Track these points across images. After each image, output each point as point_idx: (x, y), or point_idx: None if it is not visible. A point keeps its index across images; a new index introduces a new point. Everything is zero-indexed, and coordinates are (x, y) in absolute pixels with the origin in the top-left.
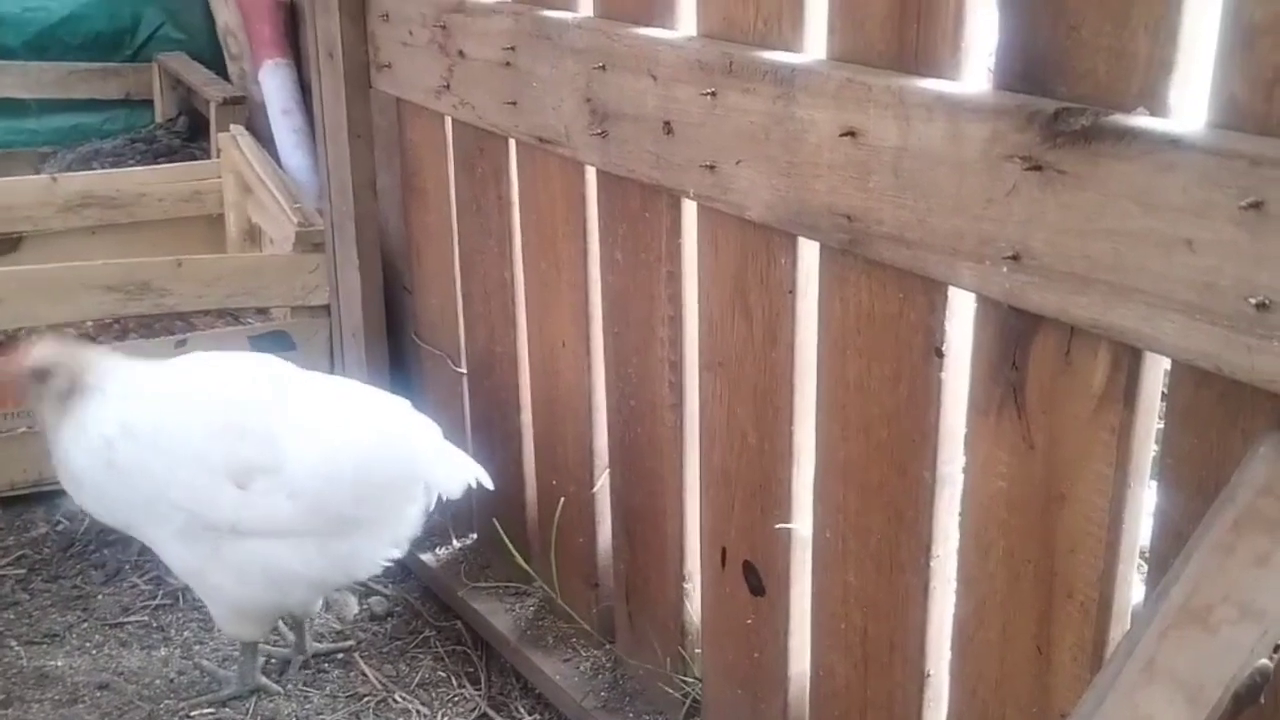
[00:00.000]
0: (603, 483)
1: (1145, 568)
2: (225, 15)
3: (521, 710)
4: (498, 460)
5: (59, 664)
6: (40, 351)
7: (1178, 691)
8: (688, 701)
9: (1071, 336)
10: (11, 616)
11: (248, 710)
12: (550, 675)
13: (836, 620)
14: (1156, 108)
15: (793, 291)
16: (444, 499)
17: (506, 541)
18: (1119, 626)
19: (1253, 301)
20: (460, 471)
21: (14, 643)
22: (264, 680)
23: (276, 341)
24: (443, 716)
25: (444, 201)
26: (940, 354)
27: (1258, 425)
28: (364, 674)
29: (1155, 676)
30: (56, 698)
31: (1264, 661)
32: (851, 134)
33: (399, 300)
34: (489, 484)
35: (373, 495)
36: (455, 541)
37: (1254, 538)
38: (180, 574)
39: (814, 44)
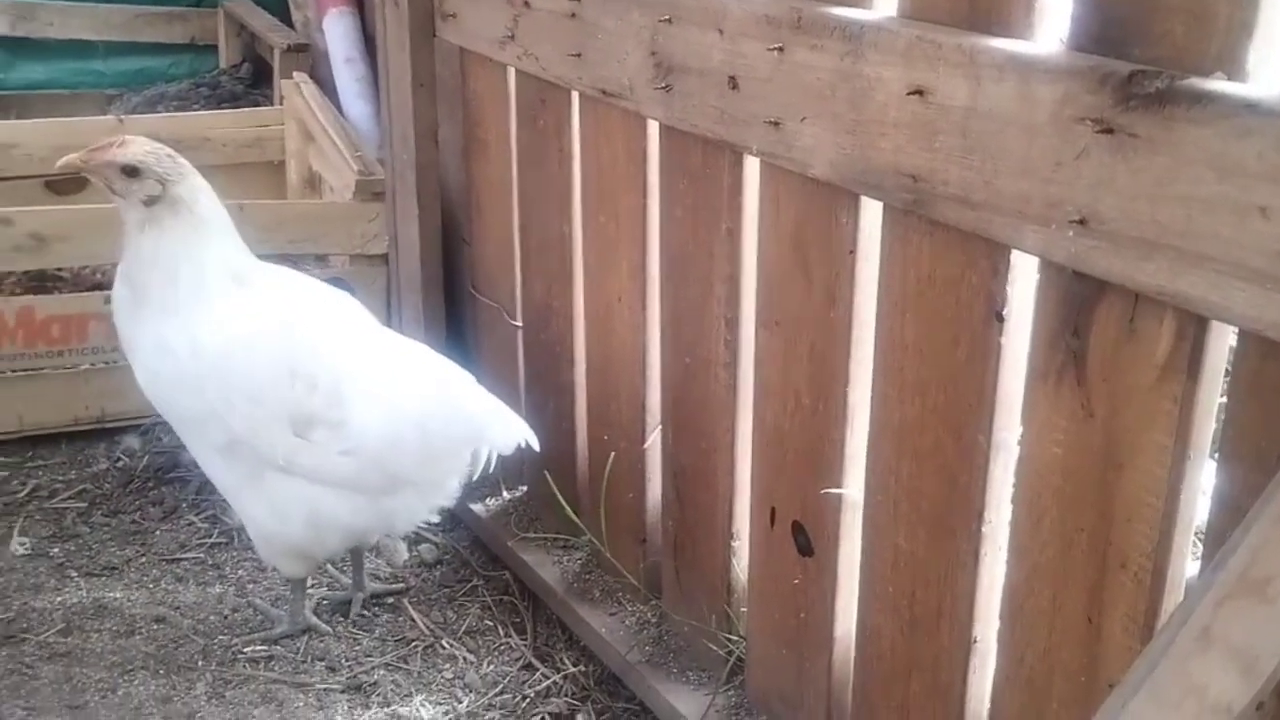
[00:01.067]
0: (654, 439)
1: (1200, 547)
2: None
3: (566, 661)
4: (550, 414)
5: (117, 596)
6: (135, 149)
7: (1232, 661)
8: (731, 659)
9: (1136, 304)
10: (72, 548)
11: (299, 650)
12: (595, 628)
13: (885, 583)
14: (1234, 72)
15: (853, 251)
16: (494, 458)
17: (557, 494)
18: (1172, 599)
19: None
20: (512, 431)
21: (74, 573)
22: (314, 620)
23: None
24: (488, 664)
25: (505, 153)
26: (1001, 318)
27: None
28: (412, 619)
29: (1210, 645)
30: (114, 628)
31: None
32: (919, 93)
33: (457, 251)
34: (536, 445)
35: (429, 459)
36: (505, 493)
37: None
38: (218, 486)
39: (884, 1)
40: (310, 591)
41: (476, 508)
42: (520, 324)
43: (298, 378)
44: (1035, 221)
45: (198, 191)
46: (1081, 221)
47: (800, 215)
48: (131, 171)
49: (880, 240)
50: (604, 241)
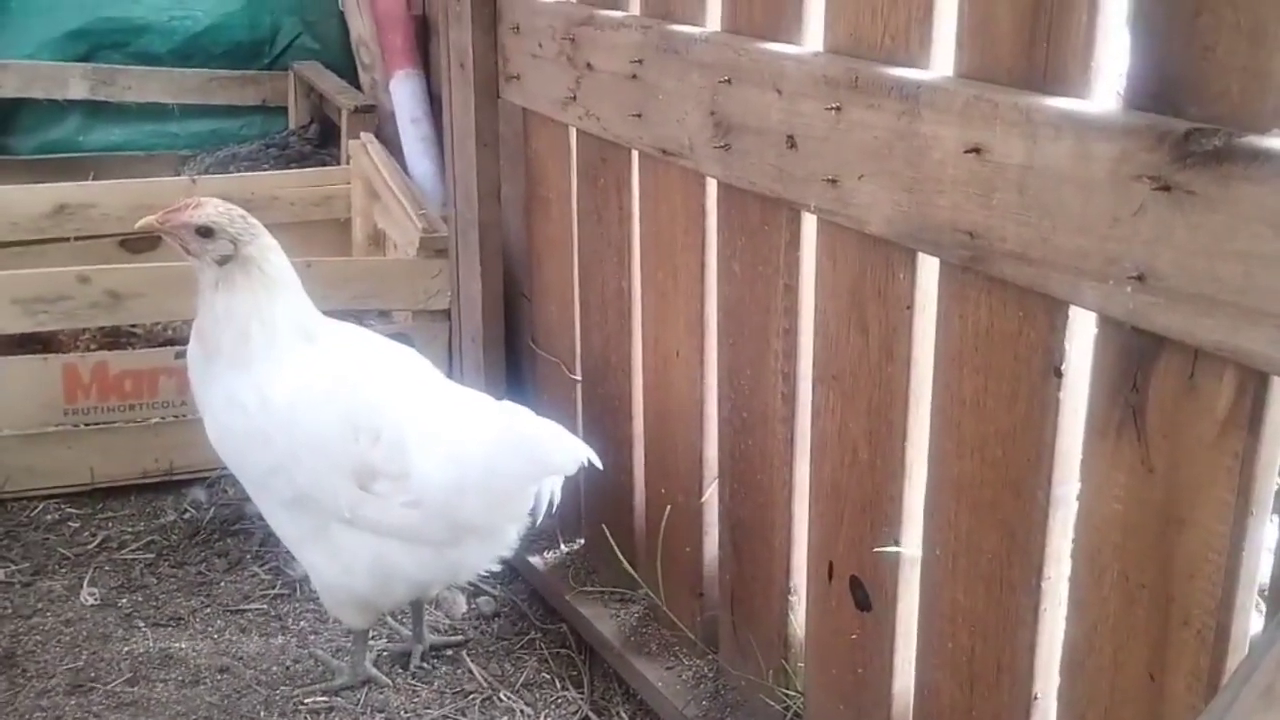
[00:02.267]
0: (711, 492)
1: (1263, 606)
2: (359, 26)
3: (623, 715)
4: (608, 467)
5: (182, 646)
6: (208, 210)
7: None
8: (789, 715)
9: (1196, 359)
10: (140, 599)
11: (359, 701)
12: (652, 682)
13: (944, 638)
14: None
15: (910, 307)
16: (556, 496)
17: (614, 547)
18: (1235, 656)
19: None
20: (573, 452)
21: (141, 624)
22: (374, 671)
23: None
24: (545, 717)
25: (566, 211)
26: (1059, 373)
27: None
28: (471, 671)
29: (1273, 704)
30: (179, 678)
31: None
32: (976, 151)
33: (518, 307)
34: (599, 463)
35: (493, 501)
36: (563, 546)
37: None
38: (284, 539)
39: (941, 61)
40: (371, 643)
41: (534, 560)
42: (579, 378)
43: (361, 431)
44: (1093, 278)
45: (268, 250)
46: (1139, 278)
47: (857, 271)
48: (206, 232)
49: (937, 296)
50: (662, 297)
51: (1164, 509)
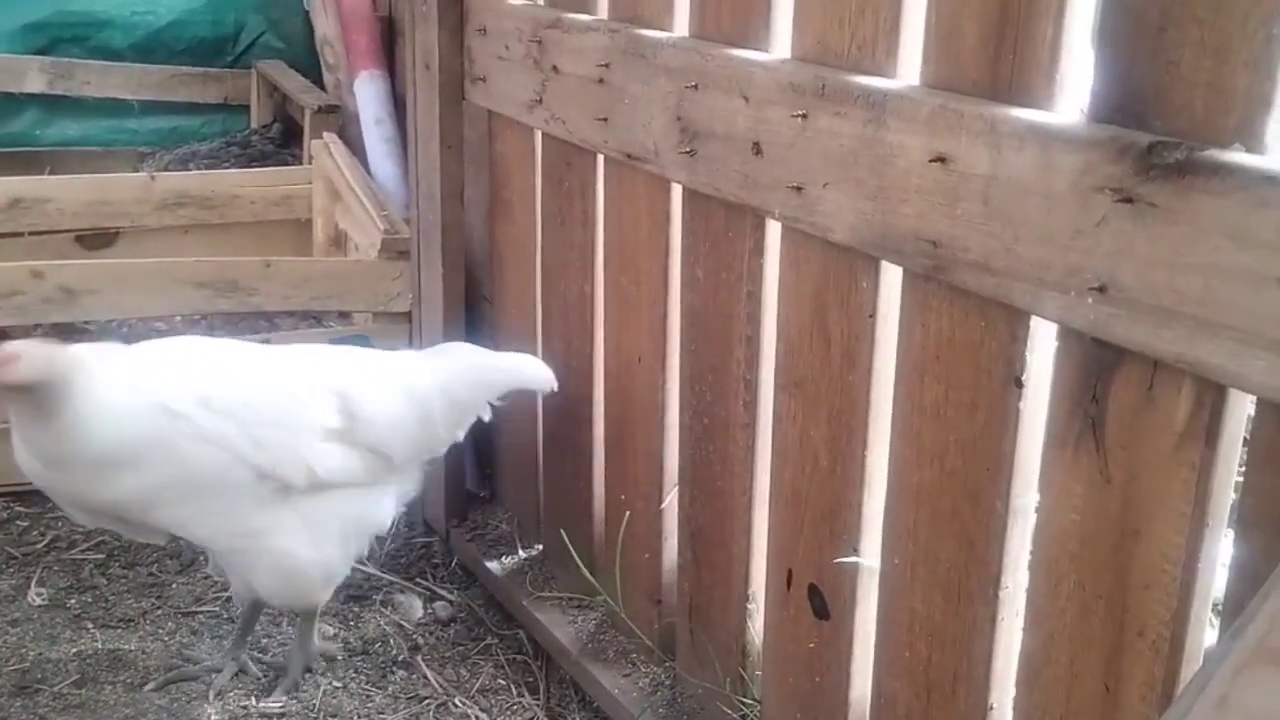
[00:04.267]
0: (671, 499)
1: (1216, 621)
2: (324, 26)
3: None
4: (568, 473)
5: (132, 648)
6: (25, 366)
7: None
8: None
9: (1155, 371)
10: (89, 600)
11: (313, 706)
12: (609, 689)
13: (901, 647)
14: (1253, 144)
15: (873, 315)
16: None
17: (572, 553)
18: (1190, 667)
19: None
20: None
21: (90, 625)
22: (323, 645)
23: (357, 345)
24: None
25: (529, 214)
26: (1020, 384)
27: None
28: (426, 677)
29: (1227, 714)
30: (128, 680)
31: None
32: (941, 160)
33: (479, 310)
34: (555, 386)
35: (454, 427)
36: (521, 551)
37: None
38: (236, 545)
39: (907, 70)
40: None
41: (492, 565)
42: None
43: (306, 389)
44: (1055, 288)
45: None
46: (1101, 289)
47: (820, 279)
48: (25, 390)
49: (900, 305)
50: (625, 302)
51: (1121, 520)
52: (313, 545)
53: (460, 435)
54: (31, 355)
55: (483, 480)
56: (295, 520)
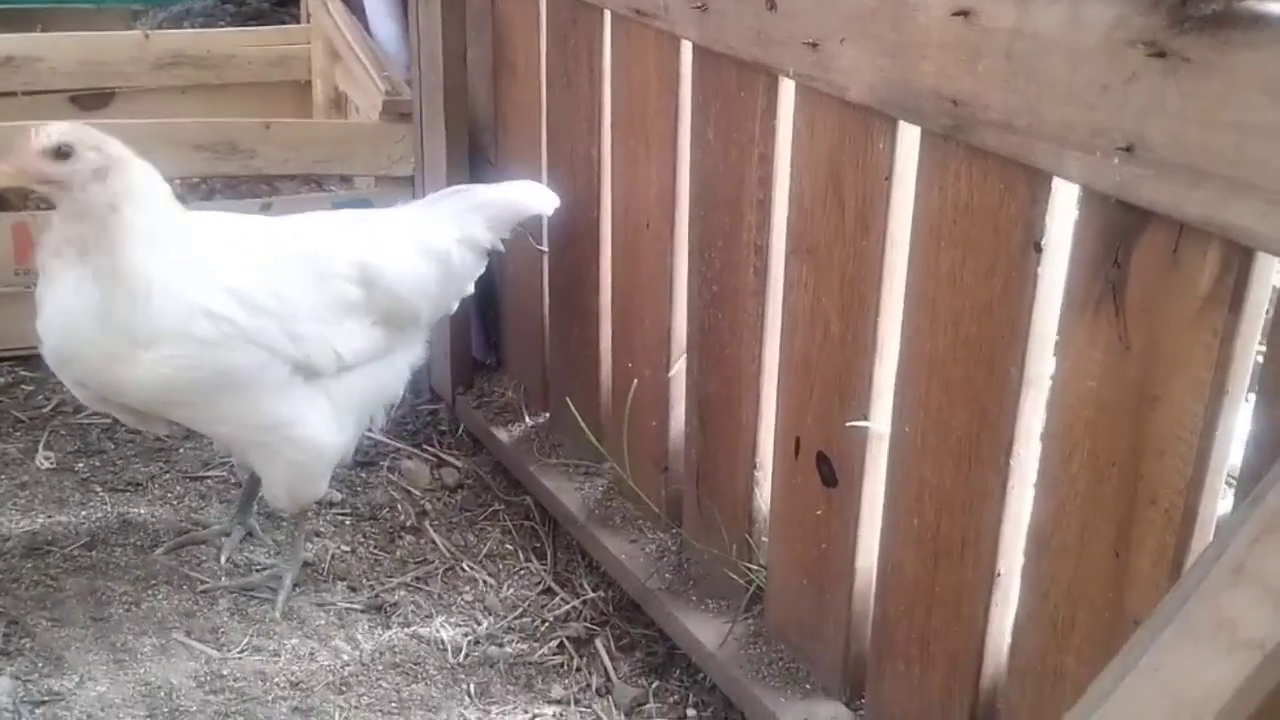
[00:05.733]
0: (679, 367)
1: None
2: None
3: (585, 587)
4: (574, 340)
5: (141, 511)
6: (56, 129)
7: (1266, 596)
8: (751, 588)
9: (1181, 234)
10: (97, 464)
11: (322, 570)
12: (615, 554)
13: (909, 515)
14: None
15: (889, 178)
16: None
17: (579, 421)
18: (1202, 537)
19: None
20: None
21: (99, 488)
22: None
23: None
24: (508, 588)
25: (534, 74)
26: (1039, 248)
27: None
28: (433, 541)
29: (1242, 580)
30: (138, 543)
31: None
32: (964, 14)
33: (483, 174)
34: (556, 202)
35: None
36: (528, 419)
37: None
38: (252, 439)
39: None
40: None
41: (499, 433)
42: (545, 249)
43: (337, 271)
44: (1079, 148)
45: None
46: (1128, 149)
47: (836, 140)
48: (64, 153)
49: (917, 167)
50: (633, 165)
51: (1139, 386)
52: (339, 428)
53: (471, 287)
54: (61, 124)
55: (488, 348)
56: (325, 405)
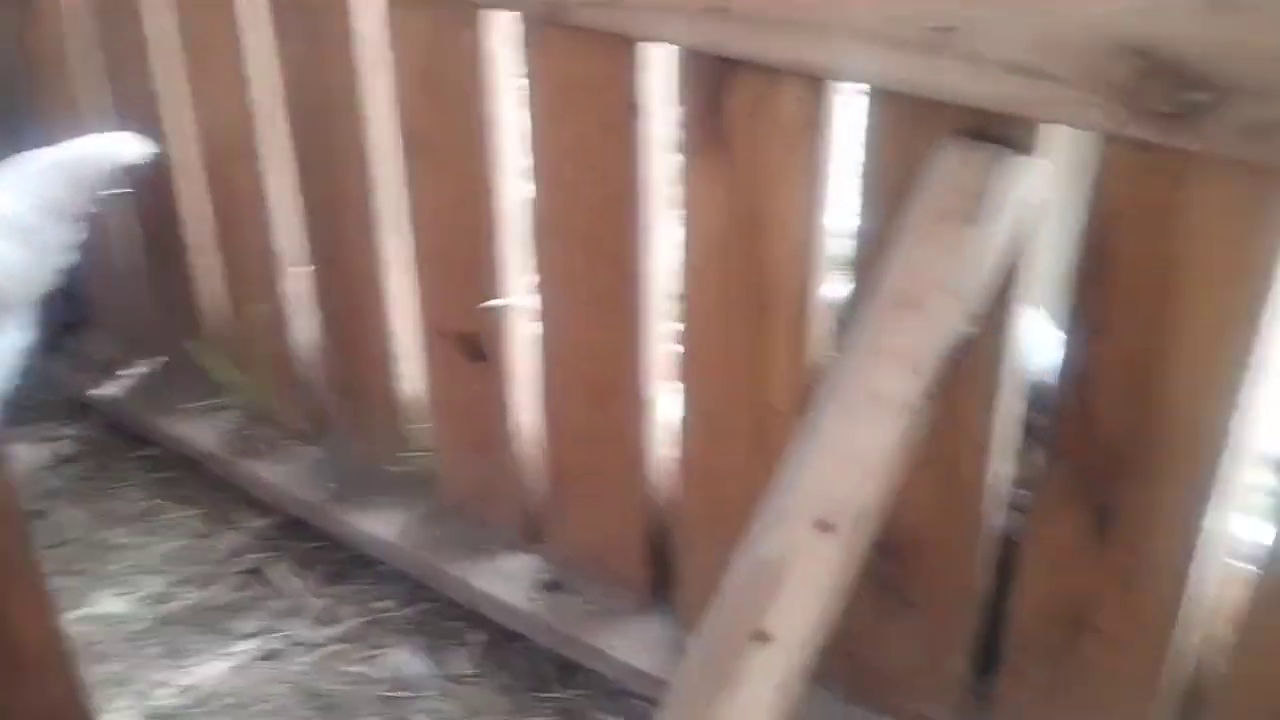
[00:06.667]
0: (296, 284)
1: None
2: None
3: (247, 518)
4: (176, 279)
5: None
6: None
7: (901, 364)
8: (423, 474)
9: (769, 77)
10: None
11: None
12: (268, 480)
13: (564, 368)
14: None
15: (485, 65)
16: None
17: (200, 359)
18: (817, 325)
19: (931, 27)
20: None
21: None
22: None
23: None
24: (164, 543)
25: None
26: (635, 110)
27: (940, 132)
28: (73, 517)
29: (881, 356)
30: None
31: (965, 330)
32: None
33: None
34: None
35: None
36: (139, 369)
37: (944, 226)
38: None
39: None
40: None
41: (109, 389)
42: (123, 192)
43: None
44: (675, 11)
45: None
46: (722, 9)
47: (430, 38)
48: None
49: (525, 50)
50: (208, 91)
51: (751, 211)
52: None
53: (74, 255)
54: None
55: (69, 307)
56: None
